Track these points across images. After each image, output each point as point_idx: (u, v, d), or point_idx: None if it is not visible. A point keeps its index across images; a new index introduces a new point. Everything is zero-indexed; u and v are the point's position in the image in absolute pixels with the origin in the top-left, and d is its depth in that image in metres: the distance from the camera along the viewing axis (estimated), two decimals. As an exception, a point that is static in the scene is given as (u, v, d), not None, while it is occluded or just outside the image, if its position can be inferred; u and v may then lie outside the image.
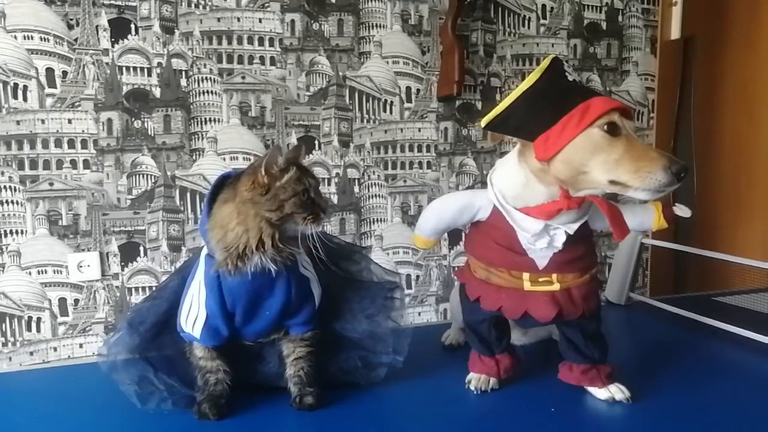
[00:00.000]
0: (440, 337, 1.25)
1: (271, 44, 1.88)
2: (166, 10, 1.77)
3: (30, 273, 1.72)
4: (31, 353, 1.75)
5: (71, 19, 1.69)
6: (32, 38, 1.66)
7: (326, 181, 1.97)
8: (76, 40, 1.70)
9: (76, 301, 1.77)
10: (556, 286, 0.93)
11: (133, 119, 1.77)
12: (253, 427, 0.89)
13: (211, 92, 1.84)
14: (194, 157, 1.84)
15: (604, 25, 2.29)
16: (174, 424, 0.89)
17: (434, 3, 2.04)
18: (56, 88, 1.69)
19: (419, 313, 2.13)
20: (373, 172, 2.03)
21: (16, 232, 1.70)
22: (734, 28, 2.30)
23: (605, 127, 0.82)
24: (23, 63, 1.66)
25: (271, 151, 0.84)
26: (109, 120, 1.75)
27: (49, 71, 1.68)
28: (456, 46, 1.95)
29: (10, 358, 1.73)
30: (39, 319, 1.74)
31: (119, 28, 1.73)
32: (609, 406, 0.94)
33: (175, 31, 1.79)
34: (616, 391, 0.95)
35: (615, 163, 0.82)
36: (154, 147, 1.80)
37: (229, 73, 1.85)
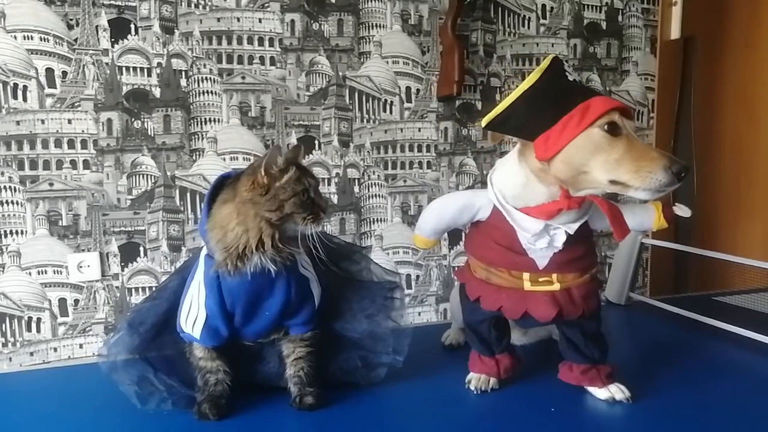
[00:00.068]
0: (440, 337, 1.25)
1: (271, 44, 1.88)
2: (166, 10, 1.77)
3: (30, 273, 1.72)
4: (32, 354, 1.75)
5: (71, 20, 1.69)
6: (32, 38, 1.66)
7: (326, 181, 1.97)
8: (75, 40, 1.70)
9: (76, 301, 1.77)
10: (556, 286, 0.93)
11: (133, 119, 1.77)
12: (253, 427, 0.89)
13: (211, 92, 1.84)
14: (194, 158, 1.84)
15: (604, 25, 2.29)
16: (174, 425, 0.89)
17: (434, 3, 2.04)
18: (56, 88, 1.69)
19: (419, 313, 2.13)
20: (373, 172, 2.03)
21: (16, 232, 1.70)
22: (734, 28, 2.30)
23: (605, 126, 0.82)
24: (23, 63, 1.66)
25: (271, 151, 0.84)
26: (109, 120, 1.75)
27: (49, 71, 1.68)
28: (456, 46, 1.96)
29: (10, 359, 1.73)
30: (39, 320, 1.74)
31: (119, 28, 1.73)
32: (609, 406, 0.94)
33: (175, 31, 1.79)
34: (616, 391, 0.95)
35: (615, 163, 0.82)
36: (154, 147, 1.80)
37: (229, 73, 1.85)
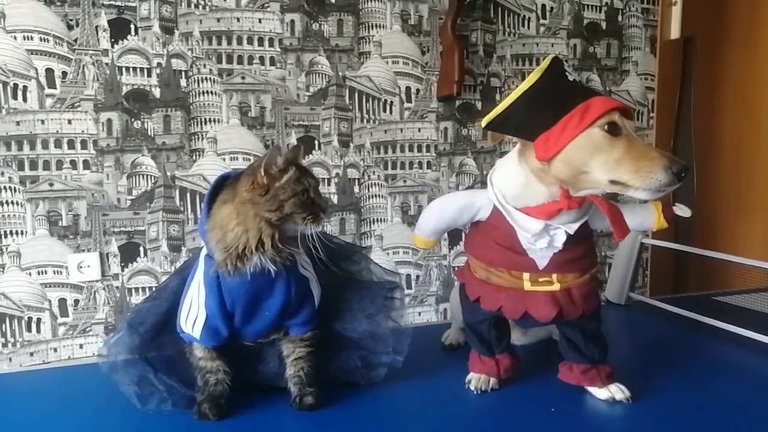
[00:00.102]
0: (440, 337, 1.25)
1: (271, 44, 1.88)
2: (166, 11, 1.77)
3: (30, 273, 1.72)
4: (32, 354, 1.75)
5: (71, 20, 1.69)
6: (32, 39, 1.66)
7: (326, 181, 1.97)
8: (75, 40, 1.70)
9: (76, 301, 1.77)
10: (556, 286, 0.93)
11: (132, 120, 1.77)
12: (253, 427, 0.89)
13: (211, 92, 1.84)
14: (194, 158, 1.84)
15: (603, 25, 2.29)
16: (174, 425, 0.89)
17: (434, 3, 2.04)
18: (56, 88, 1.69)
19: (419, 313, 2.13)
20: (373, 172, 2.03)
21: (16, 232, 1.70)
22: (734, 28, 2.30)
23: (606, 126, 0.82)
24: (23, 63, 1.66)
25: (271, 151, 0.84)
26: (109, 120, 1.75)
27: (49, 72, 1.68)
28: (456, 46, 1.96)
29: (10, 359, 1.73)
30: (39, 320, 1.74)
31: (119, 29, 1.73)
32: (609, 406, 0.94)
33: (175, 31, 1.79)
34: (616, 391, 0.95)
35: (616, 163, 0.82)
36: (154, 147, 1.80)
37: (229, 74, 1.85)
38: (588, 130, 0.82)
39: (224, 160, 1.86)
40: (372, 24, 1.99)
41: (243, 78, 1.86)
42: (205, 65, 1.82)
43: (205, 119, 1.84)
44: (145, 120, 1.78)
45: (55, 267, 1.74)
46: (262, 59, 1.88)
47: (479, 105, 2.14)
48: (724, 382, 1.03)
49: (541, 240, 0.91)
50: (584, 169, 0.84)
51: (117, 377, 0.92)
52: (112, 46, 1.73)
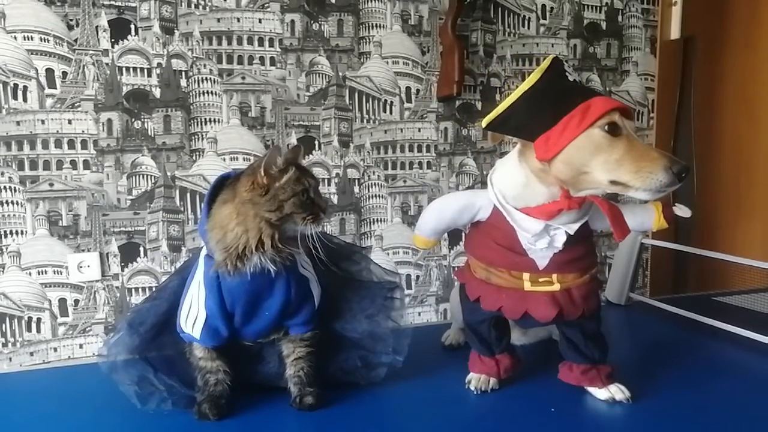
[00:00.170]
0: (440, 337, 1.25)
1: (271, 44, 1.88)
2: (166, 11, 1.77)
3: (30, 273, 1.72)
4: (32, 354, 1.75)
5: (71, 20, 1.69)
6: (32, 39, 1.66)
7: (326, 181, 1.97)
8: (75, 40, 1.70)
9: (76, 301, 1.77)
10: (557, 287, 0.93)
11: (133, 120, 1.77)
12: (253, 427, 0.89)
13: (211, 93, 1.84)
14: (194, 158, 1.84)
15: (603, 25, 2.29)
16: (174, 425, 0.89)
17: (434, 3, 2.04)
18: (56, 88, 1.69)
19: (419, 313, 2.13)
20: (373, 173, 2.04)
21: (16, 232, 1.70)
22: (734, 28, 2.30)
23: (606, 127, 0.82)
24: (23, 63, 1.66)
25: (271, 151, 0.84)
26: (109, 120, 1.75)
27: (49, 72, 1.68)
28: (456, 46, 1.96)
29: (10, 359, 1.73)
30: (39, 320, 1.74)
31: (119, 29, 1.73)
32: (609, 406, 0.94)
33: (175, 31, 1.79)
34: (616, 391, 0.95)
35: (616, 164, 0.82)
36: (154, 147, 1.80)
37: (229, 74, 1.85)
38: (588, 131, 0.82)
39: (224, 160, 1.87)
40: (372, 24, 1.99)
41: (243, 78, 1.86)
42: (205, 65, 1.82)
43: (206, 119, 1.84)
44: (146, 120, 1.78)
45: (55, 267, 1.74)
46: (262, 59, 1.88)
47: (479, 105, 2.14)
48: (724, 382, 1.03)
49: (542, 240, 0.91)
50: (584, 170, 0.84)
51: (117, 377, 0.92)
52: (113, 46, 1.73)
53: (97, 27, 1.71)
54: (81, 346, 1.79)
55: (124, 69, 1.75)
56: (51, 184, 1.72)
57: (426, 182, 2.10)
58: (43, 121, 1.69)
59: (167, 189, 1.82)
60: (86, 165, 1.74)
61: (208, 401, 0.90)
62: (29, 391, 1.06)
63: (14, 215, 1.69)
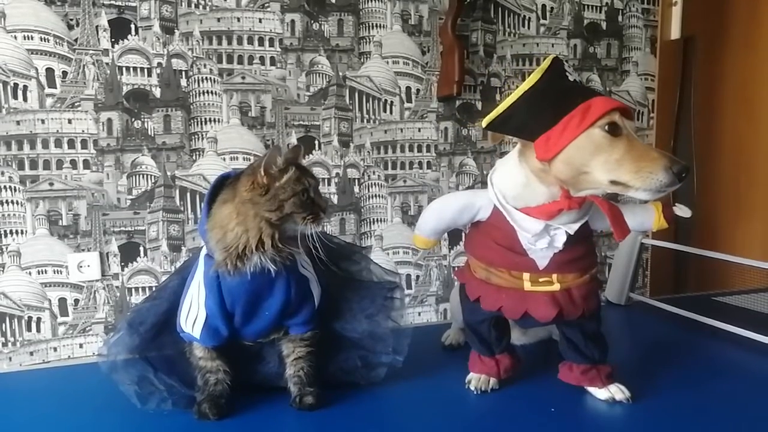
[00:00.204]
0: (440, 337, 1.25)
1: (271, 44, 1.88)
2: (166, 11, 1.77)
3: (30, 273, 1.72)
4: (31, 353, 1.75)
5: (71, 20, 1.69)
6: (32, 38, 1.66)
7: (326, 181, 1.97)
8: (76, 40, 1.70)
9: (76, 301, 1.77)
10: (557, 286, 0.93)
11: (133, 119, 1.77)
12: (253, 427, 0.89)
13: (211, 92, 1.84)
14: (194, 158, 1.84)
15: (604, 25, 2.29)
16: (174, 424, 0.89)
17: (434, 3, 2.04)
18: (56, 88, 1.69)
19: (419, 313, 2.13)
20: (373, 172, 2.03)
21: (16, 232, 1.70)
22: (734, 28, 2.30)
23: (606, 127, 0.82)
24: (23, 63, 1.66)
25: (271, 151, 0.84)
26: (109, 120, 1.75)
27: (49, 71, 1.68)
28: (456, 46, 1.95)
29: (10, 358, 1.73)
30: (39, 319, 1.74)
31: (119, 29, 1.73)
32: (609, 406, 0.94)
33: (175, 31, 1.79)
34: (616, 391, 0.95)
35: (616, 164, 0.82)
36: (154, 147, 1.80)
37: (229, 74, 1.85)
38: (588, 131, 0.82)
39: (224, 159, 1.86)
40: (372, 24, 1.99)
41: (243, 78, 1.86)
42: (205, 65, 1.82)
43: (206, 119, 1.84)
44: (146, 120, 1.78)
45: (55, 266, 1.74)
46: (262, 59, 1.88)
47: (479, 105, 2.14)
48: (724, 382, 1.03)
49: (542, 240, 0.91)
50: (585, 170, 0.84)
51: (117, 377, 0.92)
52: (113, 46, 1.73)
53: (97, 27, 1.71)
54: (81, 345, 1.79)
55: (124, 69, 1.75)
56: (51, 184, 1.72)
57: (426, 182, 2.10)
58: (43, 121, 1.69)
59: (167, 189, 1.82)
60: (86, 165, 1.74)
61: (208, 401, 0.90)
62: (29, 390, 1.06)
63: (14, 215, 1.69)
